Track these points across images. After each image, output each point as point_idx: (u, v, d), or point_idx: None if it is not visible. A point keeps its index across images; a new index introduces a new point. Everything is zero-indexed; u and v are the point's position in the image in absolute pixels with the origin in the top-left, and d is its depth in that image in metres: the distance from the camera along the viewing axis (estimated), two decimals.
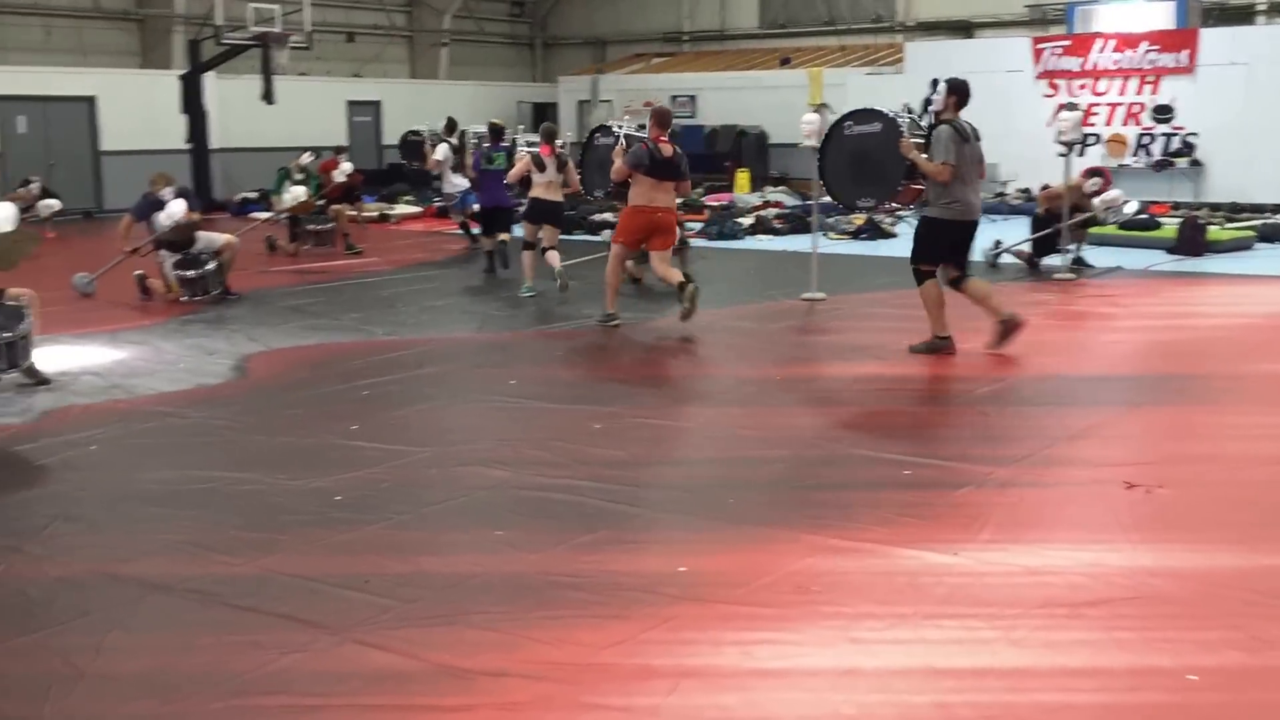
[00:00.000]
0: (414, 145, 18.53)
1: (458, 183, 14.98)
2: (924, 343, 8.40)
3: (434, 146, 16.05)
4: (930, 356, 8.33)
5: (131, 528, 5.11)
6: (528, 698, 3.56)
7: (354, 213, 15.89)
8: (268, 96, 19.53)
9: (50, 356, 7.84)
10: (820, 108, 12.10)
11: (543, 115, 26.85)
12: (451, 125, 16.33)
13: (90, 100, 20.24)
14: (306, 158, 15.67)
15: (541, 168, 11.28)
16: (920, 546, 4.72)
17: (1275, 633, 3.98)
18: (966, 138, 8.09)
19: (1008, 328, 8.30)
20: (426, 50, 27.58)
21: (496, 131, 13.31)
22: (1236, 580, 4.41)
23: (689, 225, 13.19)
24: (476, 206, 13.74)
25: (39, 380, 7.46)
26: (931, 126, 8.24)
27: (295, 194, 14.61)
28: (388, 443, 6.39)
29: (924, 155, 8.20)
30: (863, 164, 8.85)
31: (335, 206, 15.08)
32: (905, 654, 3.82)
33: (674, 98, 25.67)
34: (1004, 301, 8.64)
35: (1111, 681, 3.66)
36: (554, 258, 11.28)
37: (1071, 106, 13.28)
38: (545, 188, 11.34)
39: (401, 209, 19.69)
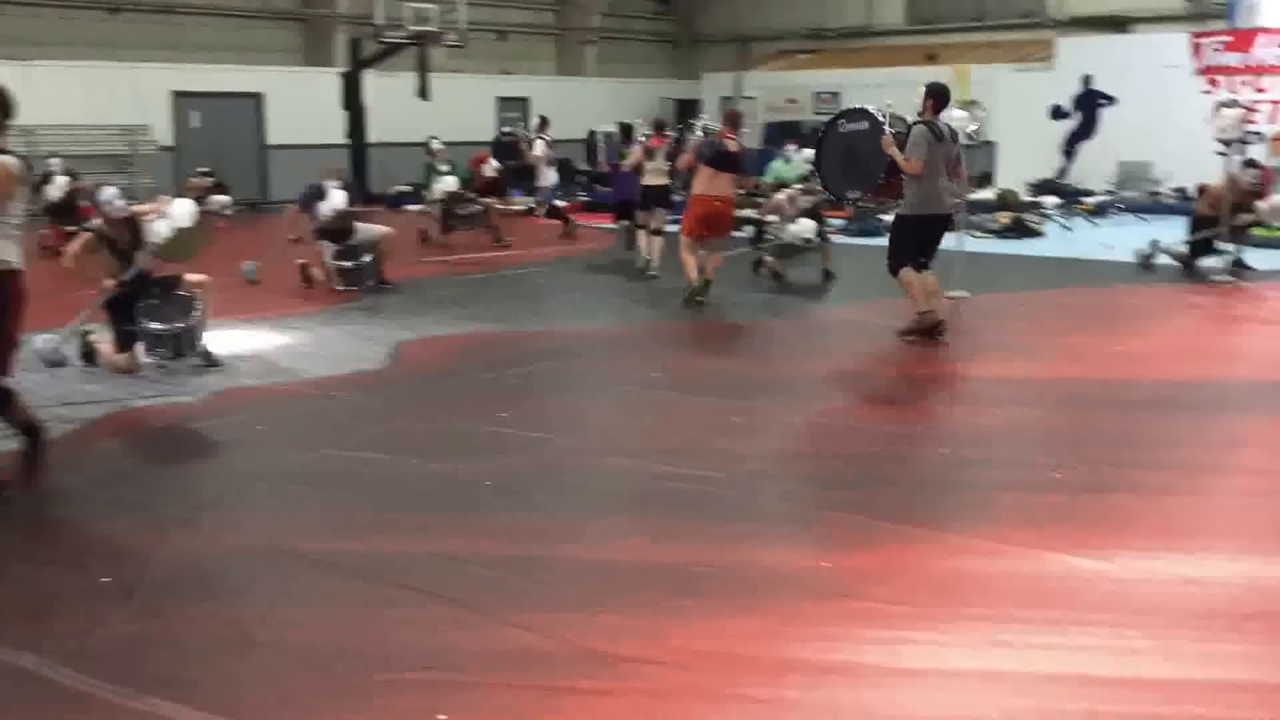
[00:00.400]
0: (507, 145, 18.98)
1: (550, 178, 16.39)
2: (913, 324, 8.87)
3: (530, 145, 16.54)
4: (1072, 358, 8.18)
5: (295, 504, 5.34)
6: (672, 686, 3.63)
7: (501, 206, 16.20)
8: (423, 93, 20.03)
9: (220, 340, 8.21)
10: (969, 105, 11.88)
11: (686, 112, 26.97)
12: (544, 123, 17.26)
13: (258, 97, 21.05)
14: (436, 144, 16.17)
15: (651, 157, 12.61)
16: (1071, 551, 4.64)
17: None
18: (940, 138, 8.70)
19: (922, 324, 8.77)
20: (574, 47, 27.93)
21: (627, 130, 14.82)
22: None
23: (831, 222, 13.10)
24: (559, 202, 15.71)
25: (210, 362, 7.82)
26: (910, 126, 8.88)
27: (445, 184, 14.98)
28: (535, 431, 6.54)
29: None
30: (851, 159, 9.36)
31: (484, 200, 15.41)
32: (1054, 659, 3.77)
33: (817, 94, 25.53)
34: (940, 304, 9.05)
35: (1271, 697, 3.56)
36: (654, 245, 12.32)
37: (1232, 104, 12.77)
38: (654, 174, 12.58)
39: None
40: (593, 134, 24.11)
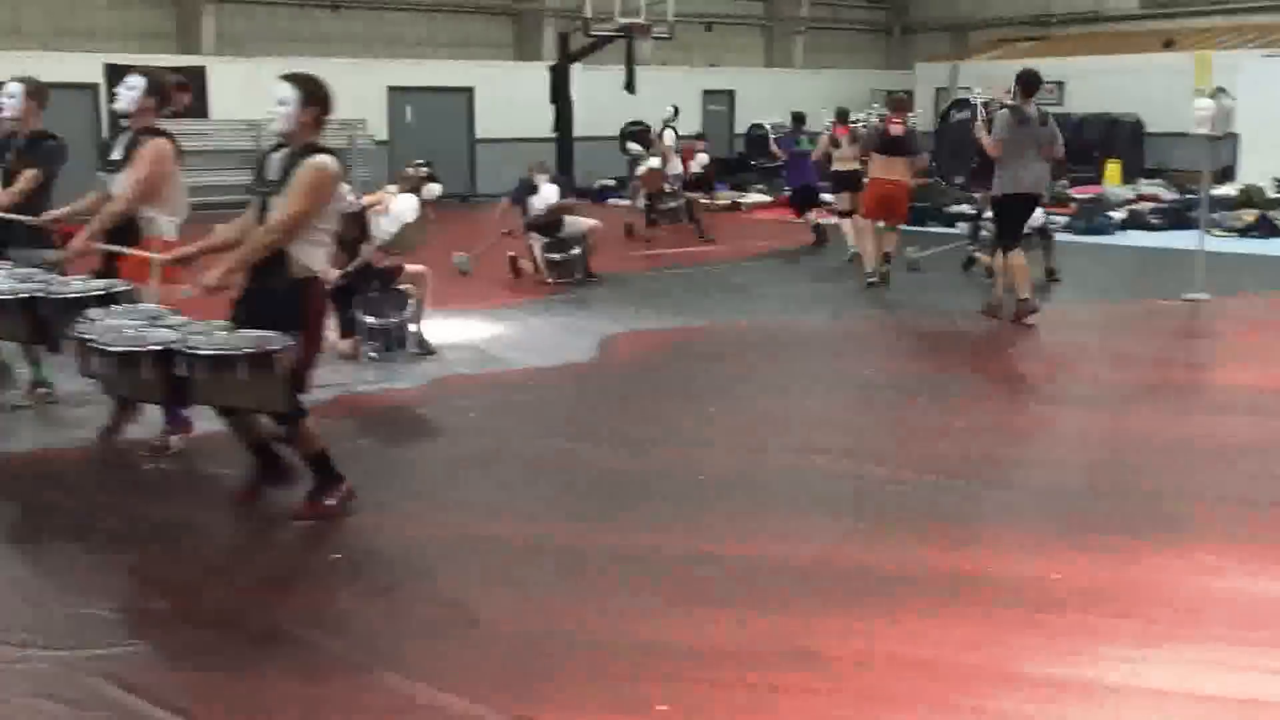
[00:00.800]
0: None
1: (675, 167, 16.21)
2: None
3: (660, 135, 16.42)
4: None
5: (508, 491, 5.41)
6: (894, 691, 3.50)
7: (706, 200, 16.16)
8: (630, 86, 20.16)
9: (435, 329, 8.41)
10: (1217, 92, 11.19)
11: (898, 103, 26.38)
12: (675, 112, 17.24)
13: (469, 91, 21.61)
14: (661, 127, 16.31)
15: (837, 145, 13.26)
16: None
17: None
18: (1025, 121, 9.05)
19: (1021, 310, 9.07)
20: (782, 38, 27.67)
21: (799, 119, 15.36)
22: None
23: (1055, 218, 12.58)
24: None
25: (426, 350, 8.02)
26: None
27: (650, 164, 15.03)
28: (746, 427, 6.46)
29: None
30: (958, 147, 10.50)
31: (689, 194, 15.39)
32: None
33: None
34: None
35: None
36: (845, 225, 12.76)
37: None
38: (842, 161, 13.07)
39: (753, 198, 19.87)
40: (759, 126, 23.49)
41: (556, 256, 11.38)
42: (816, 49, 27.87)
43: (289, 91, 4.68)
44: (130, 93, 5.57)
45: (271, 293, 4.64)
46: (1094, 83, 23.39)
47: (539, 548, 4.64)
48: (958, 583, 4.28)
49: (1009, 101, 9.31)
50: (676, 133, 16.73)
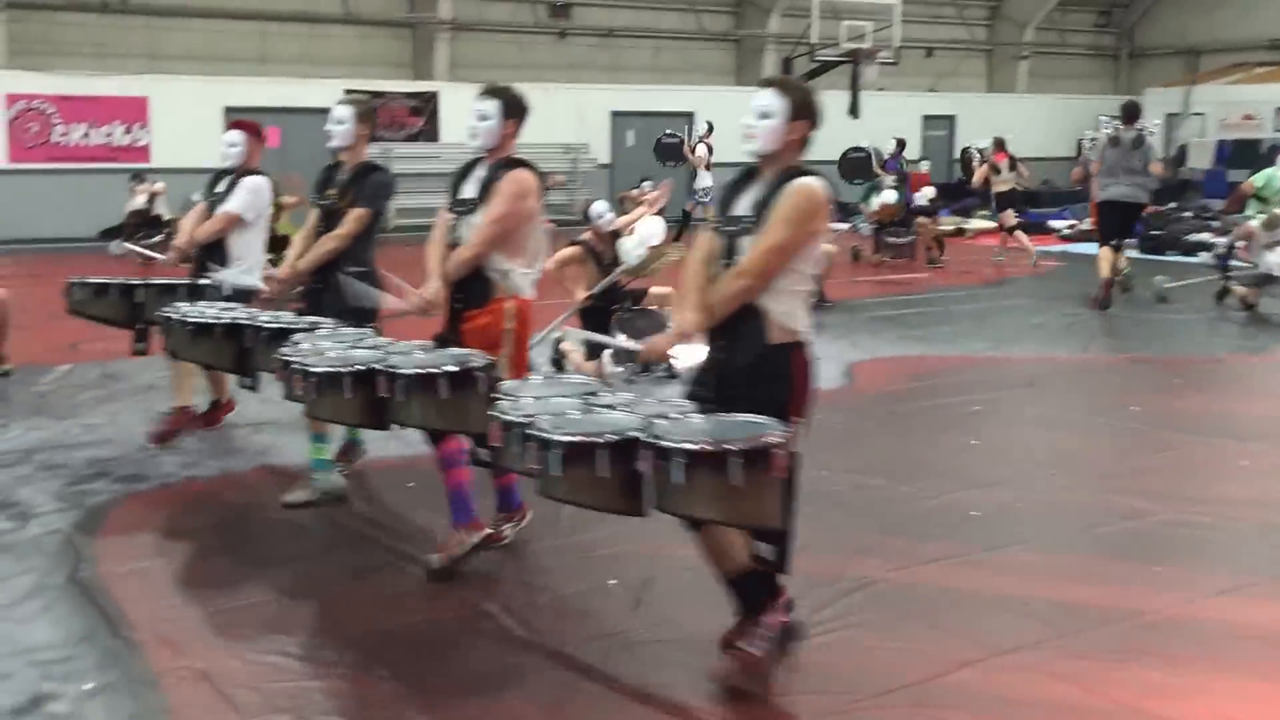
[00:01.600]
0: (669, 146, 18.28)
1: (705, 180, 16.93)
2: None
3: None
4: None
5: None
6: None
7: (933, 226, 15.79)
8: (854, 111, 19.96)
9: (679, 351, 8.41)
10: None
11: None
12: (710, 129, 17.79)
13: (689, 115, 21.75)
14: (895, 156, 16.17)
15: (998, 171, 14.99)
16: None
17: None
18: (1116, 143, 11.24)
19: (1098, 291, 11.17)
20: (1005, 63, 26.97)
21: (901, 144, 16.46)
22: None
23: None
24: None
25: (673, 374, 8.01)
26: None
27: (885, 199, 14.79)
28: (1009, 460, 6.23)
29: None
30: None
31: (920, 220, 15.09)
32: None
33: (1278, 110, 23.34)
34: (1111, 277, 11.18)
35: None
36: (1021, 238, 14.82)
37: None
38: (1003, 183, 14.94)
39: (977, 223, 19.37)
40: (966, 150, 22.89)
41: None
42: (1041, 73, 27.07)
43: (490, 106, 4.57)
44: (341, 127, 5.25)
45: (757, 365, 3.61)
46: None
47: (804, 582, 4.50)
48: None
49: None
50: (709, 147, 17.24)
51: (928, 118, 24.51)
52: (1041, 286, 13.16)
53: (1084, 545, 4.99)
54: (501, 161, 4.62)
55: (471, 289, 4.57)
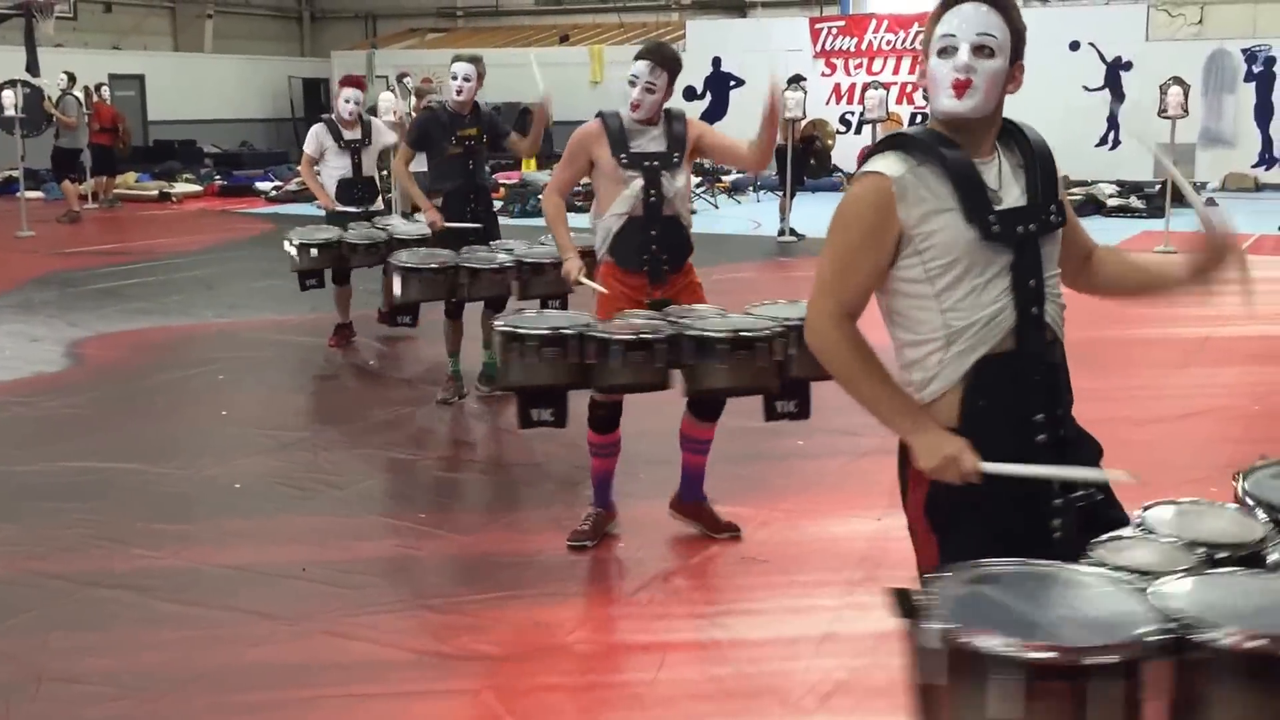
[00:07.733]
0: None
1: None
2: None
3: None
4: None
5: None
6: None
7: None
8: (32, 68, 18.24)
9: None
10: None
11: (315, 91, 26.09)
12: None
13: None
14: None
15: None
16: None
17: None
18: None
19: None
20: (191, 21, 26.29)
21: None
22: None
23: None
24: None
25: None
26: None
27: None
28: (263, 427, 6.20)
29: None
30: None
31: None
32: None
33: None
34: None
35: None
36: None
37: (877, 86, 13.94)
38: None
39: (183, 188, 18.82)
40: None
41: None
42: (227, 34, 26.80)
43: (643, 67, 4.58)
44: (469, 84, 6.54)
45: None
46: (504, 74, 24.51)
47: (96, 581, 4.14)
48: None
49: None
50: None
51: (115, 76, 23.14)
52: (261, 249, 13.14)
53: (357, 507, 5.08)
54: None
55: (681, 249, 4.54)
